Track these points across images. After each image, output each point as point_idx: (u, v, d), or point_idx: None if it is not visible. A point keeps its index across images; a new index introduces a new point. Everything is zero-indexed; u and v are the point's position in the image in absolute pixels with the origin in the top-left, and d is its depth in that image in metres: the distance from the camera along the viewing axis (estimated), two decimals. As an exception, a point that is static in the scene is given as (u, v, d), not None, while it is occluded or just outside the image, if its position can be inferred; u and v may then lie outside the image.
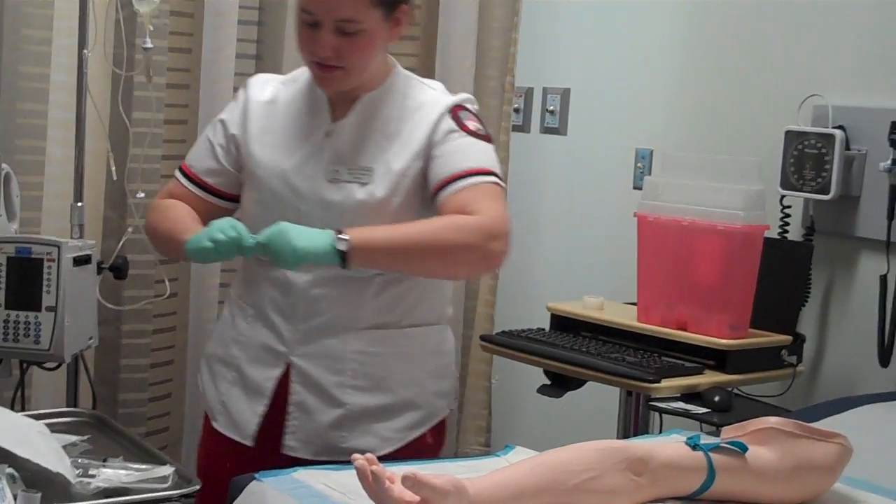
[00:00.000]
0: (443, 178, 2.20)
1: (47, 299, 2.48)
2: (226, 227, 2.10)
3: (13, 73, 2.90)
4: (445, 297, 2.41)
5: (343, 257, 2.07)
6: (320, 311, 2.26)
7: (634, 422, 2.88)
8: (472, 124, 2.27)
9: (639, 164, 3.64)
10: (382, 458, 2.19)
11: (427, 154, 2.23)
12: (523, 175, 3.83)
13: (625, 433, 2.90)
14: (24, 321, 2.49)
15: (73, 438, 2.17)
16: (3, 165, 2.62)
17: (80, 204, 2.76)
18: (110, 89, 3.02)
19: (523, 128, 4.00)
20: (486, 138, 2.28)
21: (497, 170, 2.25)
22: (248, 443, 2.31)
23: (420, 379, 2.35)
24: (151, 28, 2.71)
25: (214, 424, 2.38)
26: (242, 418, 2.32)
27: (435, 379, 2.38)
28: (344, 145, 2.26)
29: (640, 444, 1.93)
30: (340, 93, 2.27)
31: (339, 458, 2.22)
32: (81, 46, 2.76)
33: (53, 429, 2.17)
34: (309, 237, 2.07)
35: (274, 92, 2.36)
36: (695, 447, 1.93)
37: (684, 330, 2.82)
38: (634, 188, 3.61)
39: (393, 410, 2.31)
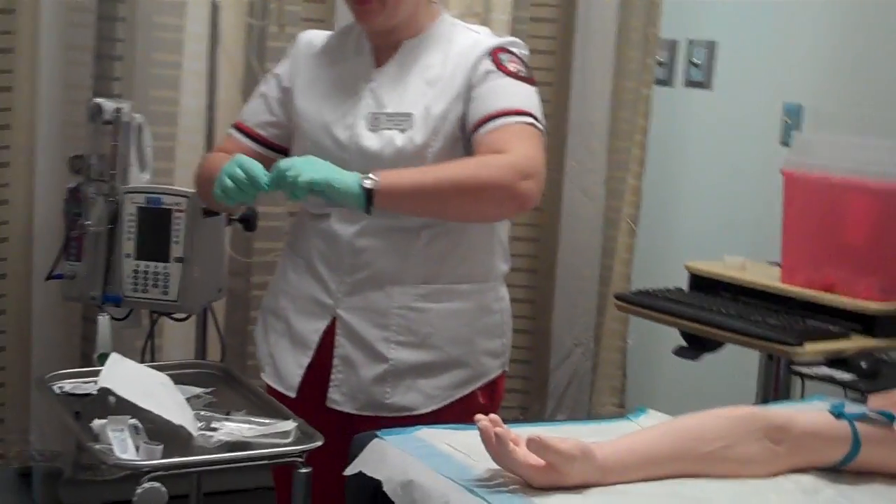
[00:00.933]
0: (478, 118, 2.15)
1: (176, 250, 2.47)
2: (236, 166, 2.07)
3: (148, 24, 2.91)
4: (496, 252, 2.33)
5: (369, 197, 2.02)
6: (366, 264, 2.22)
7: (775, 387, 2.77)
8: (513, 66, 2.20)
9: (787, 120, 3.48)
10: (426, 416, 2.20)
11: (466, 96, 2.18)
12: (666, 130, 3.71)
13: (764, 399, 2.79)
14: (154, 272, 2.48)
15: (198, 391, 2.16)
16: (137, 115, 2.62)
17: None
18: (244, 40, 3.00)
19: (667, 81, 3.87)
20: (528, 80, 2.21)
21: (536, 111, 2.18)
22: (292, 394, 2.27)
23: (468, 337, 2.28)
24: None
25: (262, 375, 2.36)
26: (287, 370, 2.29)
27: (485, 337, 2.31)
28: (384, 92, 2.22)
29: (779, 412, 1.84)
30: (383, 37, 2.24)
31: (382, 414, 2.21)
32: (215, -5, 2.74)
33: (179, 380, 2.17)
34: (332, 170, 2.03)
35: (322, 45, 2.33)
36: (839, 416, 1.83)
37: (831, 292, 2.69)
38: (782, 144, 3.47)
39: (438, 368, 2.25)
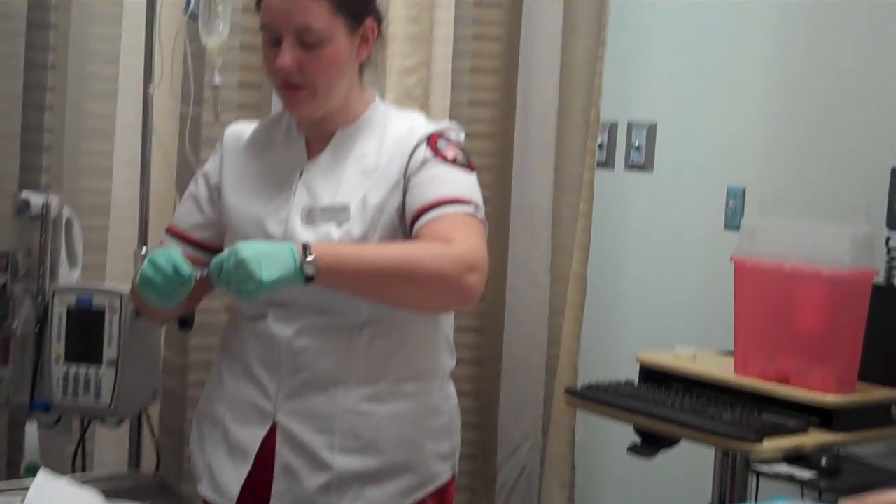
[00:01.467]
0: (417, 207, 2.09)
1: (109, 352, 2.37)
2: (161, 256, 1.99)
3: (78, 112, 2.80)
4: (442, 348, 2.25)
5: (309, 278, 1.94)
6: (306, 365, 2.13)
7: (731, 486, 2.69)
8: (451, 152, 2.14)
9: (730, 204, 3.45)
10: None
11: (404, 185, 2.11)
12: (607, 214, 3.66)
13: (721, 498, 2.71)
14: (85, 375, 2.37)
15: (133, 506, 2.04)
16: (66, 209, 2.50)
17: (144, 250, 2.63)
18: (178, 128, 2.90)
19: (607, 164, 3.83)
20: (467, 166, 2.15)
21: (476, 199, 2.12)
22: None
23: (415, 440, 2.19)
24: (220, 63, 2.57)
25: (199, 487, 2.24)
26: (225, 480, 2.19)
27: (433, 439, 2.22)
28: (318, 184, 2.15)
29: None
30: (315, 126, 2.18)
31: None
32: (147, 83, 2.64)
33: (113, 494, 2.08)
34: (271, 261, 1.92)
35: (250, 136, 2.27)
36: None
37: (786, 384, 2.64)
38: (726, 228, 3.44)
39: (385, 474, 2.16)
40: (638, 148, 3.77)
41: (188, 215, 2.29)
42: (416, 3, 3.19)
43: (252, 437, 2.17)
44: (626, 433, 2.84)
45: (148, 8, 2.63)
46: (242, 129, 2.30)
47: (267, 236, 2.12)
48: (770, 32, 3.38)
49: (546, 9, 3.33)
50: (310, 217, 2.12)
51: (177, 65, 2.81)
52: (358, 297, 2.07)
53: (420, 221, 2.07)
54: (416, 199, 2.09)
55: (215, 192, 2.25)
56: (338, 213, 2.10)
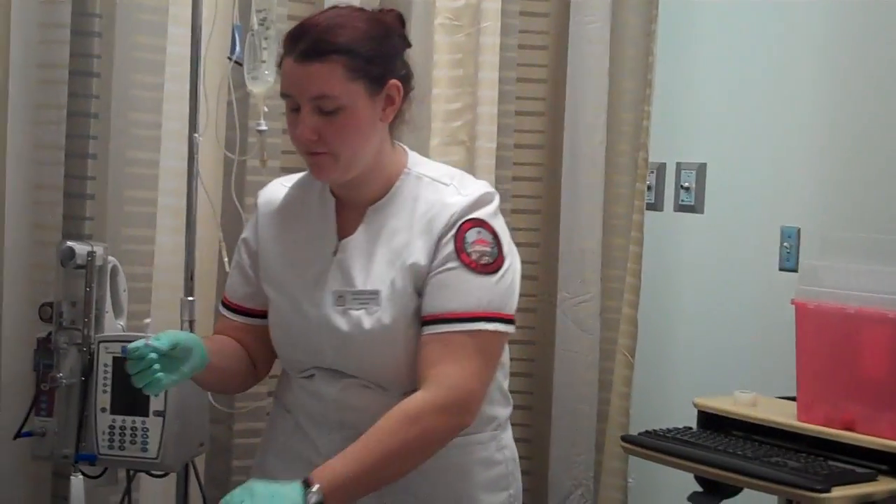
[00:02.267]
0: (425, 314, 2.02)
1: (155, 403, 2.31)
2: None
3: (121, 159, 2.77)
4: (495, 400, 2.17)
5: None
6: (354, 420, 2.06)
7: (796, 534, 2.60)
8: (478, 249, 2.03)
9: (785, 244, 3.37)
10: None
11: (425, 277, 2.03)
12: (657, 256, 3.59)
13: (786, 548, 2.63)
14: (132, 427, 2.31)
15: (183, 563, 1.97)
16: (110, 258, 2.46)
17: (191, 298, 2.59)
18: (222, 174, 2.87)
19: (655, 206, 3.76)
20: (490, 267, 2.03)
21: (495, 307, 2.02)
22: None
23: (471, 494, 2.13)
24: (266, 109, 2.54)
25: None
26: None
27: (488, 492, 2.16)
28: (351, 266, 2.07)
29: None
30: (348, 194, 2.11)
31: None
32: (192, 130, 2.61)
33: None
34: (275, 500, 1.87)
35: (284, 201, 2.20)
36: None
37: (852, 430, 2.54)
38: (781, 269, 3.36)
39: None
40: (687, 189, 3.70)
41: (238, 286, 2.24)
42: (461, 46, 3.17)
43: None
44: (680, 479, 2.75)
45: (193, 54, 2.60)
46: (275, 193, 2.22)
47: (304, 317, 2.08)
48: (821, 68, 3.32)
49: (592, 50, 3.29)
50: (341, 301, 2.06)
51: (220, 111, 2.78)
52: (402, 370, 2.03)
53: (424, 331, 2.01)
54: (427, 305, 2.02)
55: (256, 258, 2.20)
56: (368, 300, 2.04)
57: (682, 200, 3.72)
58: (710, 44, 3.70)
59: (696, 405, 2.84)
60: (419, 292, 2.04)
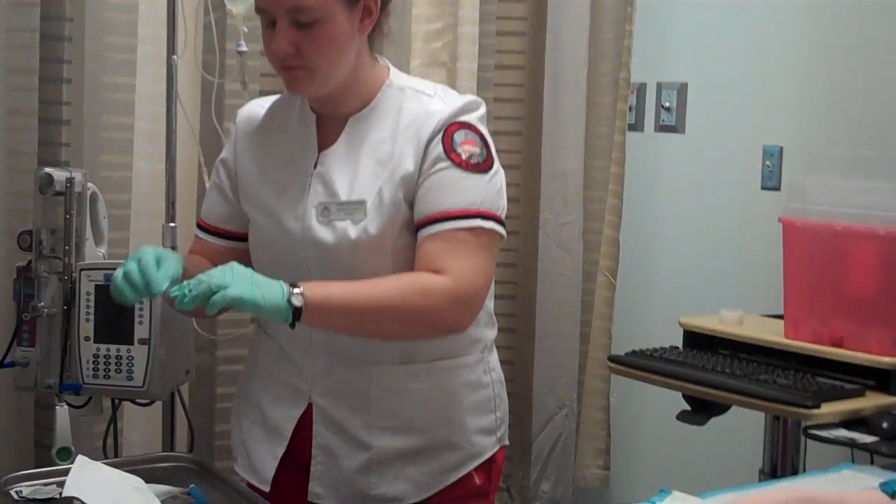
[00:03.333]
0: (421, 217, 1.98)
1: (140, 331, 2.27)
2: (134, 263, 1.90)
3: (97, 85, 2.71)
4: (482, 322, 2.14)
5: (296, 314, 1.85)
6: (340, 345, 2.04)
7: (783, 452, 2.61)
8: (467, 149, 2.00)
9: (767, 163, 3.35)
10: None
11: (415, 183, 1.99)
12: (638, 177, 3.56)
13: (772, 464, 2.63)
14: (116, 355, 2.28)
15: (175, 490, 1.96)
16: (89, 185, 2.41)
17: (172, 224, 2.55)
18: (200, 98, 2.81)
19: (636, 126, 3.73)
20: (481, 167, 2.00)
21: (489, 206, 1.99)
22: (265, 488, 2.10)
23: (456, 416, 2.11)
24: (246, 30, 2.48)
25: (236, 467, 2.18)
26: (261, 461, 2.12)
27: (476, 414, 2.14)
28: (335, 177, 2.03)
29: (829, 494, 1.66)
30: (326, 106, 2.07)
31: None
32: (170, 53, 2.55)
33: (151, 477, 1.99)
34: (257, 285, 1.84)
35: (265, 118, 2.15)
36: (893, 495, 1.67)
37: (840, 347, 2.55)
38: (763, 188, 3.34)
39: (426, 452, 2.08)
40: (668, 109, 3.67)
41: (216, 207, 2.20)
42: (441, -34, 3.11)
43: (288, 417, 2.10)
44: (662, 398, 2.75)
45: (170, -26, 2.54)
46: (255, 109, 2.18)
47: (285, 232, 2.04)
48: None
49: (573, -31, 3.24)
50: (326, 214, 2.01)
51: (198, 32, 2.72)
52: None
53: (422, 233, 1.98)
54: (421, 208, 1.99)
55: (235, 179, 2.16)
56: (354, 210, 2.00)
57: (663, 121, 3.69)
58: (691, -39, 3.65)
59: (681, 324, 2.83)
60: (409, 202, 2.00)
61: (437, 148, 1.99)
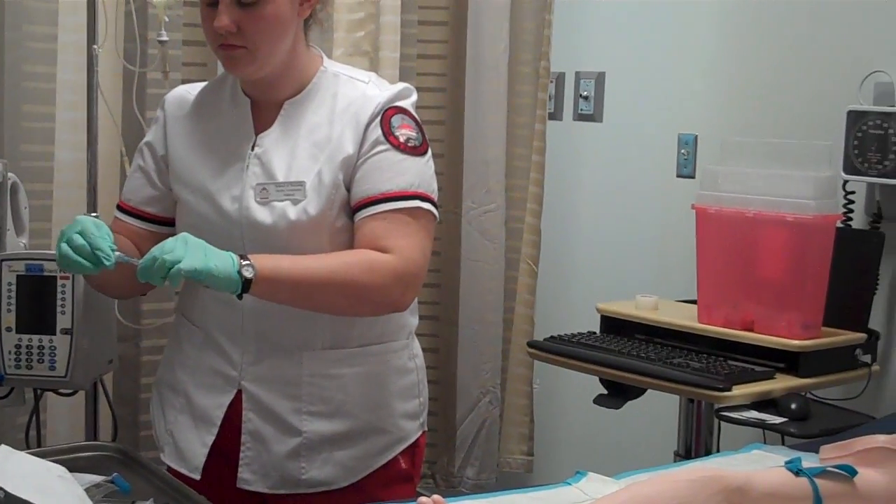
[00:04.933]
0: (361, 198, 2.04)
1: (62, 321, 2.29)
2: (74, 232, 1.92)
3: (17, 73, 2.70)
4: (407, 309, 2.20)
5: (245, 285, 1.89)
6: (271, 330, 2.09)
7: (696, 433, 2.68)
8: (404, 133, 2.07)
9: (682, 151, 3.42)
10: (346, 490, 2.11)
11: (354, 165, 2.05)
12: (557, 165, 3.61)
13: (686, 446, 2.70)
14: (38, 346, 2.29)
15: (98, 479, 1.96)
16: (10, 174, 2.41)
17: (94, 214, 2.55)
18: (121, 87, 2.81)
19: (555, 115, 3.78)
20: (418, 150, 2.08)
21: (426, 188, 2.07)
22: (196, 476, 2.12)
23: (384, 401, 2.17)
24: (167, 19, 2.49)
25: (162, 456, 2.20)
26: (190, 449, 2.14)
27: (401, 399, 2.20)
28: (271, 159, 2.07)
29: (736, 473, 1.72)
30: (260, 90, 2.10)
31: (299, 491, 2.09)
32: (91, 42, 2.55)
33: (75, 466, 1.98)
34: (210, 256, 1.87)
35: (196, 102, 2.18)
36: (797, 473, 1.73)
37: (751, 330, 2.61)
38: (678, 176, 3.41)
39: (355, 437, 2.14)
40: (586, 98, 3.72)
41: (139, 189, 2.20)
42: (363, -45, 3.13)
43: (217, 405, 2.12)
44: (583, 383, 2.81)
45: (89, -37, 2.54)
46: (184, 94, 2.20)
47: (221, 213, 2.06)
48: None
49: (494, -42, 3.28)
50: (264, 194, 2.05)
51: (119, 21, 2.72)
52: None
53: (362, 213, 2.03)
54: (361, 189, 2.04)
55: (162, 163, 2.17)
56: (293, 191, 2.04)
57: (582, 109, 3.74)
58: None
59: (598, 310, 2.88)
60: (347, 185, 2.04)
61: (376, 131, 2.05)
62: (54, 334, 2.29)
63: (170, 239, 1.89)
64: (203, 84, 2.23)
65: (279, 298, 1.99)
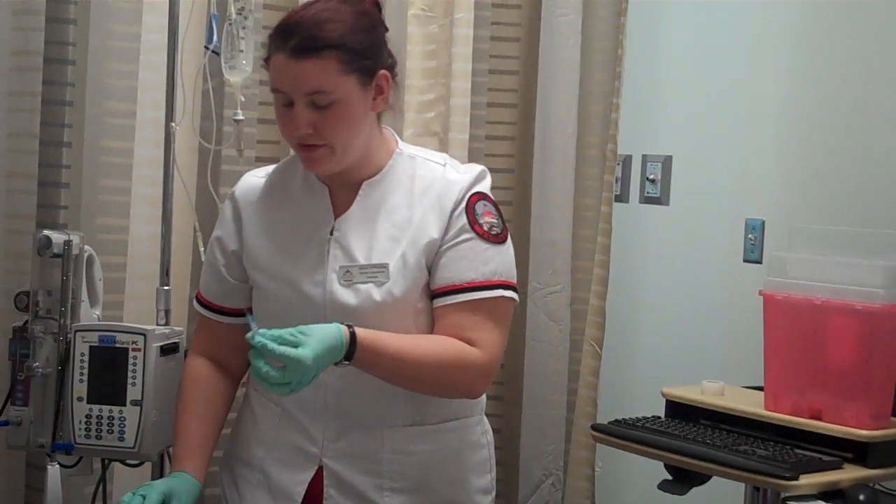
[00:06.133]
0: (444, 284, 2.08)
1: (132, 392, 2.31)
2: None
3: (95, 148, 2.77)
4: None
5: (350, 353, 1.94)
6: (352, 407, 2.11)
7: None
8: (487, 221, 2.11)
9: (749, 236, 3.42)
10: None
11: (437, 250, 2.09)
12: (623, 248, 3.62)
13: (752, 533, 2.67)
14: (108, 416, 2.31)
15: (165, 551, 1.98)
16: (86, 247, 2.46)
17: (166, 287, 2.59)
18: (197, 164, 2.87)
19: (622, 197, 3.80)
20: (500, 237, 2.12)
21: (507, 275, 2.11)
22: None
23: (461, 476, 2.19)
24: (243, 98, 2.55)
25: None
26: None
27: (476, 474, 2.22)
28: (352, 242, 2.10)
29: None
30: (338, 178, 2.13)
31: None
32: (169, 119, 2.60)
33: None
34: (324, 343, 1.92)
35: (266, 187, 2.21)
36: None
37: (818, 419, 2.59)
38: (745, 261, 3.41)
39: None
40: (653, 181, 3.74)
41: (212, 285, 2.25)
42: (434, 37, 3.18)
43: (297, 481, 2.13)
44: (645, 468, 2.79)
45: (170, 43, 2.60)
46: (254, 182, 2.24)
47: (304, 298, 2.09)
48: (786, 62, 3.36)
49: (563, 42, 3.31)
50: (348, 277, 2.08)
51: (196, 100, 2.79)
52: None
53: (446, 300, 2.07)
54: (445, 276, 2.08)
55: (233, 257, 2.21)
56: (376, 273, 2.07)
57: (648, 192, 3.76)
58: (678, 37, 3.74)
59: (664, 394, 2.87)
60: (428, 267, 2.08)
61: (462, 218, 2.08)
62: (124, 405, 2.31)
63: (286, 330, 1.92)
64: (271, 167, 2.26)
65: (376, 371, 2.02)
